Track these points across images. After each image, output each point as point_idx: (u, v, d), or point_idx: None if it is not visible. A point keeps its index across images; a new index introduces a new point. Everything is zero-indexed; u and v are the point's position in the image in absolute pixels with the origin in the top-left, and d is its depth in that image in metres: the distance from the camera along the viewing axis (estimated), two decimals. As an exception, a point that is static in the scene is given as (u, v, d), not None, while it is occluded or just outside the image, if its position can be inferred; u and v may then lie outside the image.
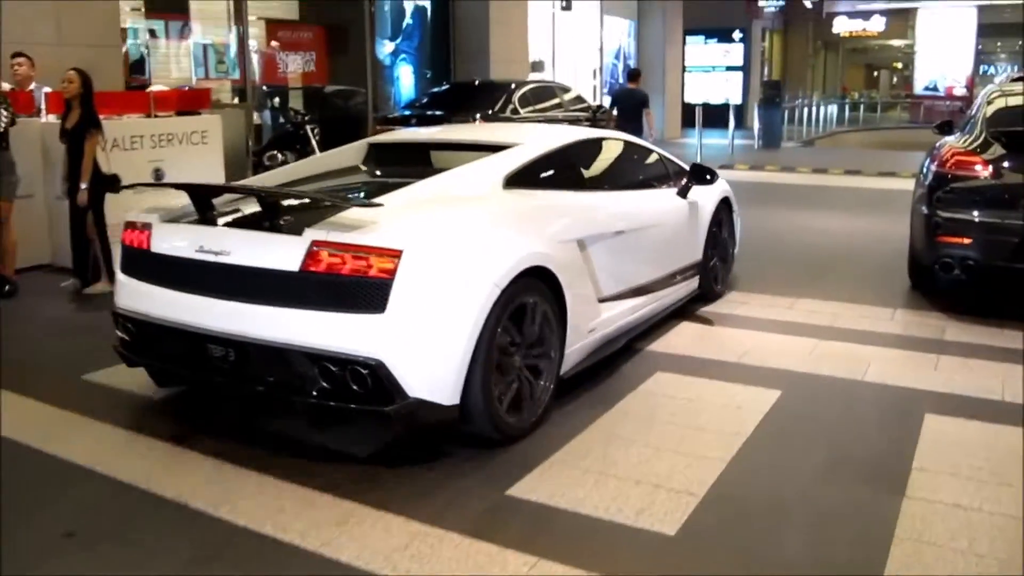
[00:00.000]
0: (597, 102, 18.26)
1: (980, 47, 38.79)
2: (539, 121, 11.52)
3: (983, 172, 5.72)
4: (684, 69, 31.41)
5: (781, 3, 26.13)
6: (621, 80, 22.58)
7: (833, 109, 34.96)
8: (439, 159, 5.18)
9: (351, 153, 5.44)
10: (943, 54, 35.82)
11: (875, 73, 55.66)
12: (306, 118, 10.32)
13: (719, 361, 5.05)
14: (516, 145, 4.84)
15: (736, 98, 30.00)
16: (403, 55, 15.55)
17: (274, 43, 13.47)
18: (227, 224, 3.98)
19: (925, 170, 6.32)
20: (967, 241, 5.65)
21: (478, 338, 3.60)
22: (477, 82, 13.38)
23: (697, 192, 5.98)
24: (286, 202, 4.10)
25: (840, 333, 5.61)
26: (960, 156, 5.88)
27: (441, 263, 3.61)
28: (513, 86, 12.12)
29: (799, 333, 5.59)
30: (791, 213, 10.72)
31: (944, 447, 3.90)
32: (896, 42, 43.51)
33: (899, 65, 51.09)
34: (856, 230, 9.51)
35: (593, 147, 5.56)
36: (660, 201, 5.69)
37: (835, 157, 17.26)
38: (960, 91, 35.58)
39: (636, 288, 5.07)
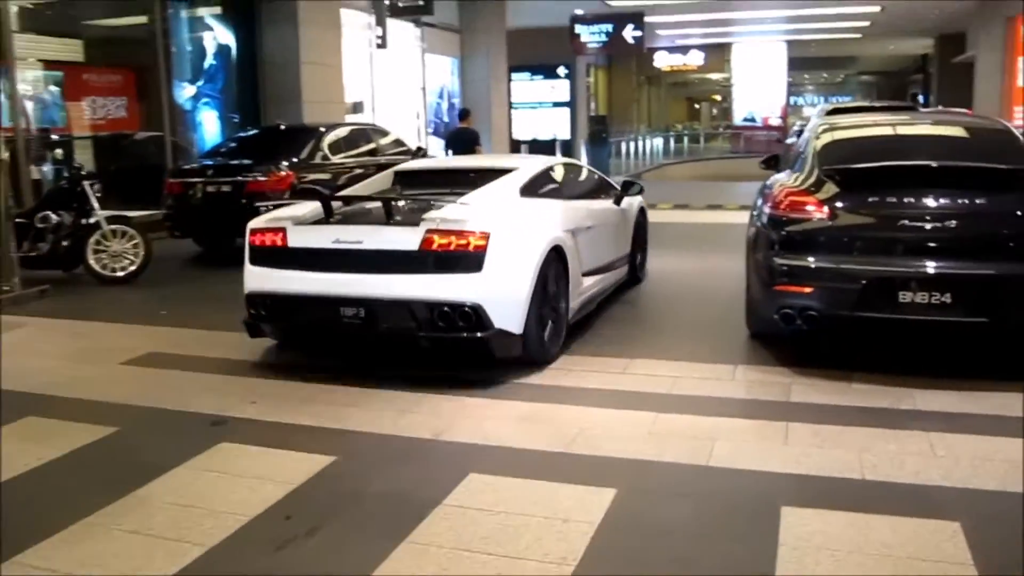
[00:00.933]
0: (419, 143, 17.66)
1: (791, 80, 40.60)
2: (353, 168, 10.68)
3: (818, 213, 5.25)
4: (511, 106, 31.34)
5: (604, 39, 26.15)
6: (447, 119, 22.07)
7: (659, 142, 35.68)
8: (453, 181, 6.62)
9: (383, 180, 7.19)
10: (758, 87, 37.25)
11: (697, 106, 57.71)
12: (82, 172, 9.07)
13: (544, 452, 4.28)
14: (515, 169, 6.63)
15: (564, 134, 30.08)
16: (206, 99, 14.39)
17: (53, 87, 12.12)
18: (358, 222, 5.74)
19: (758, 211, 5.82)
20: (807, 290, 5.15)
21: (531, 291, 5.38)
22: (283, 127, 12.40)
23: (626, 201, 7.84)
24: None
25: (680, 402, 4.96)
26: (794, 196, 5.41)
27: (512, 241, 5.38)
28: (322, 130, 11.20)
29: (636, 405, 4.91)
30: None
31: (808, 552, 3.25)
32: (714, 76, 45.11)
33: (718, 98, 53.09)
34: (690, 269, 9.08)
35: (559, 168, 7.37)
36: (607, 206, 7.46)
37: (663, 191, 17.10)
38: (775, 121, 37.05)
39: (599, 267, 6.83)
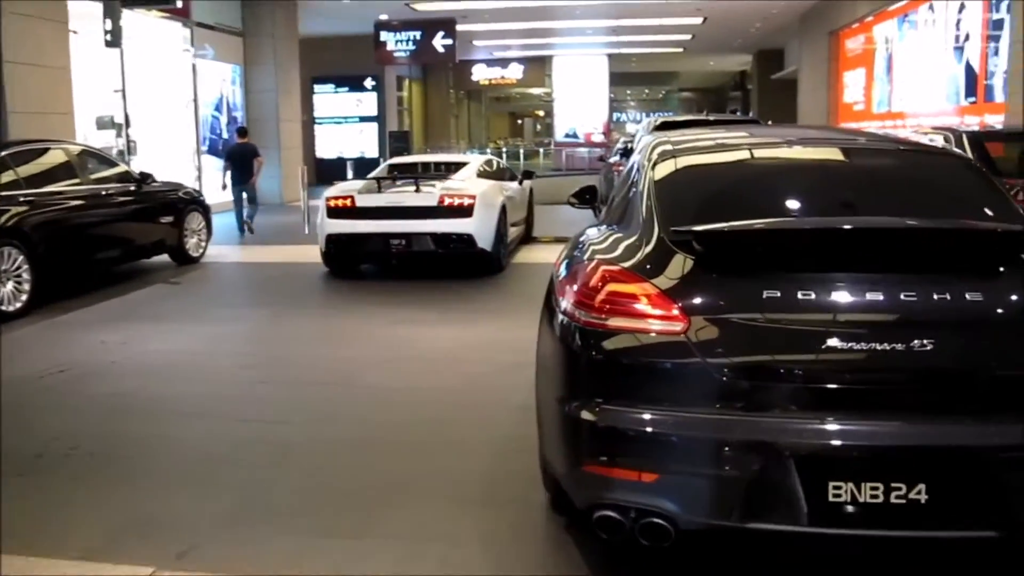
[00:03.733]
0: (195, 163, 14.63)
1: (613, 95, 39.38)
2: (50, 202, 7.74)
3: (665, 323, 2.76)
4: (314, 121, 28.39)
5: (412, 47, 23.67)
6: (227, 135, 18.99)
7: (478, 160, 33.30)
8: (427, 168, 11.43)
9: (383, 169, 11.61)
10: (579, 102, 35.71)
11: (519, 122, 56.14)
12: None
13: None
14: (468, 162, 11.18)
15: (372, 151, 27.37)
16: None
17: None
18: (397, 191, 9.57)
19: (555, 302, 3.30)
20: (648, 478, 2.67)
21: (496, 228, 9.50)
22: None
23: (526, 183, 12.12)
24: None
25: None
26: (619, 285, 2.91)
27: (486, 201, 9.40)
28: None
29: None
30: (379, 316, 7.66)
31: None
32: (536, 90, 43.49)
33: (541, 113, 51.67)
34: (467, 351, 6.61)
35: (490, 162, 11.81)
36: (516, 185, 11.48)
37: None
38: (598, 137, 35.60)
39: (516, 222, 10.90)
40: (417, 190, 9.32)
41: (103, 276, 9.31)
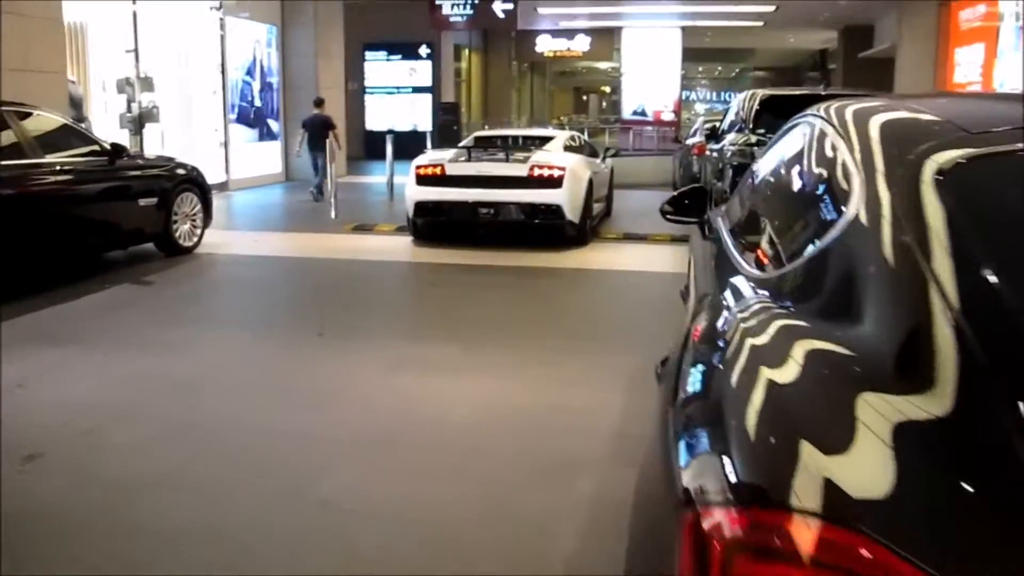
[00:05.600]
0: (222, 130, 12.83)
1: (683, 72, 36.86)
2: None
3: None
4: (364, 90, 26.49)
5: (469, 11, 21.58)
6: (258, 103, 17.21)
7: (538, 137, 31.21)
8: (515, 142, 11.13)
9: (469, 140, 11.50)
10: (649, 78, 33.30)
11: (584, 97, 53.71)
12: None
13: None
14: (554, 136, 11.20)
15: (425, 123, 25.36)
16: None
17: None
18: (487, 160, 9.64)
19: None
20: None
21: (583, 201, 9.46)
22: None
23: (608, 161, 12.17)
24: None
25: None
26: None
27: (574, 173, 9.37)
28: None
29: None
30: (390, 350, 5.70)
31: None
32: (603, 65, 41.15)
33: (607, 89, 49.24)
34: (497, 427, 4.58)
35: (574, 137, 11.71)
36: (599, 162, 11.33)
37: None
38: (668, 116, 33.22)
39: (599, 198, 10.74)
40: (507, 160, 9.46)
41: (67, 269, 7.51)
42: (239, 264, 8.86)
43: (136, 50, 13.34)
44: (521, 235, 9.65)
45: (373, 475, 3.60)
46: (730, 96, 51.72)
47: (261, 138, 17.54)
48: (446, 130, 16.86)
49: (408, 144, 18.83)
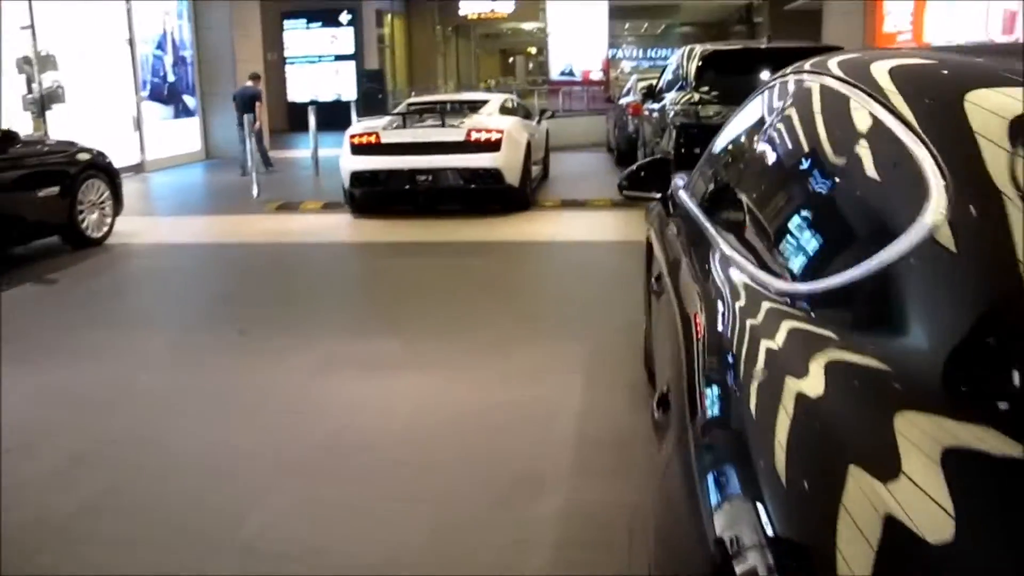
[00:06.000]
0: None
1: (610, 30, 36.37)
2: None
3: None
4: (284, 61, 25.57)
5: (388, -25, 20.84)
6: (172, 78, 16.33)
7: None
8: (451, 107, 10.66)
9: (403, 106, 11.10)
10: (576, 37, 32.81)
11: (511, 60, 52.94)
12: None
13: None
14: (489, 100, 10.94)
15: (350, 92, 24.55)
16: None
17: None
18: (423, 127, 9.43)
19: None
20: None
21: (522, 164, 9.33)
22: None
23: (544, 123, 12.19)
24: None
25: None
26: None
27: (513, 136, 9.27)
28: None
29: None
30: (317, 351, 5.24)
31: None
32: (528, 25, 40.47)
33: (533, 51, 48.56)
34: (442, 431, 4.15)
35: (509, 100, 11.41)
36: (535, 124, 11.25)
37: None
38: (597, 75, 32.83)
39: (536, 160, 10.59)
40: (443, 126, 9.26)
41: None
42: (153, 254, 8.23)
43: (32, 26, 12.44)
44: (460, 203, 9.55)
45: (303, 510, 3.13)
46: (657, 54, 51.53)
47: (177, 115, 16.67)
48: (370, 99, 16.25)
49: (333, 115, 18.15)
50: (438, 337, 5.18)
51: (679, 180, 3.15)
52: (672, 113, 7.39)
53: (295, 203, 10.53)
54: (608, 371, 4.47)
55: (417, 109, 10.46)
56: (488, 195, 9.38)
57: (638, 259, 7.28)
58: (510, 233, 8.54)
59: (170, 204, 11.73)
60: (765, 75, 7.60)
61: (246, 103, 14.49)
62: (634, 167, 3.21)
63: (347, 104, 17.50)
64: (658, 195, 3.12)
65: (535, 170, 10.52)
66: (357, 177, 9.38)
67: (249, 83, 15.07)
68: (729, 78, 7.34)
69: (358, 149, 9.32)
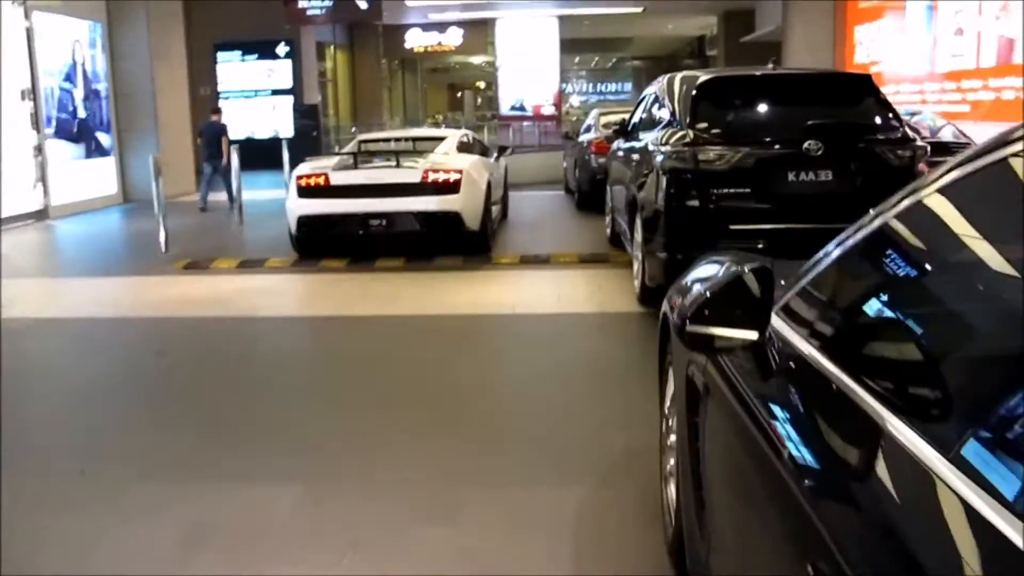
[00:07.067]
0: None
1: (560, 64, 35.28)
2: None
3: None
4: (218, 95, 23.92)
5: (328, 3, 19.38)
6: (83, 113, 14.65)
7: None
8: (405, 146, 10.04)
9: (353, 145, 10.28)
10: (527, 71, 31.64)
11: (459, 94, 51.78)
12: None
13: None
14: (445, 136, 10.32)
15: (288, 129, 22.95)
16: None
17: None
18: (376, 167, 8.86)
19: None
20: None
21: (483, 206, 8.80)
22: None
23: (502, 160, 11.50)
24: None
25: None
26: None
27: (472, 177, 8.68)
28: None
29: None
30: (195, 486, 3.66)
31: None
32: (476, 59, 39.27)
33: (482, 85, 47.42)
34: None
35: (466, 137, 10.74)
36: (494, 162, 10.66)
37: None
38: (548, 110, 31.69)
39: (495, 200, 9.97)
40: (398, 166, 8.71)
41: None
42: (14, 337, 6.53)
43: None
44: (414, 247, 8.88)
45: None
46: (606, 87, 50.75)
47: (89, 154, 14.96)
48: (304, 136, 14.73)
49: (270, 153, 16.58)
50: (355, 482, 3.64)
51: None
52: (660, 156, 5.88)
53: (207, 260, 8.92)
54: (607, 548, 2.99)
55: (368, 148, 9.71)
56: (446, 240, 8.69)
57: (625, 343, 5.68)
58: (463, 301, 7.00)
59: (61, 260, 10.12)
60: (777, 108, 6.24)
61: (213, 139, 14.23)
62: (707, 294, 1.72)
63: (282, 141, 15.99)
64: (752, 335, 1.65)
65: (494, 210, 9.89)
66: (305, 222, 8.64)
67: (214, 117, 14.94)
68: (732, 112, 5.92)
69: (305, 191, 8.58)
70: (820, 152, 5.47)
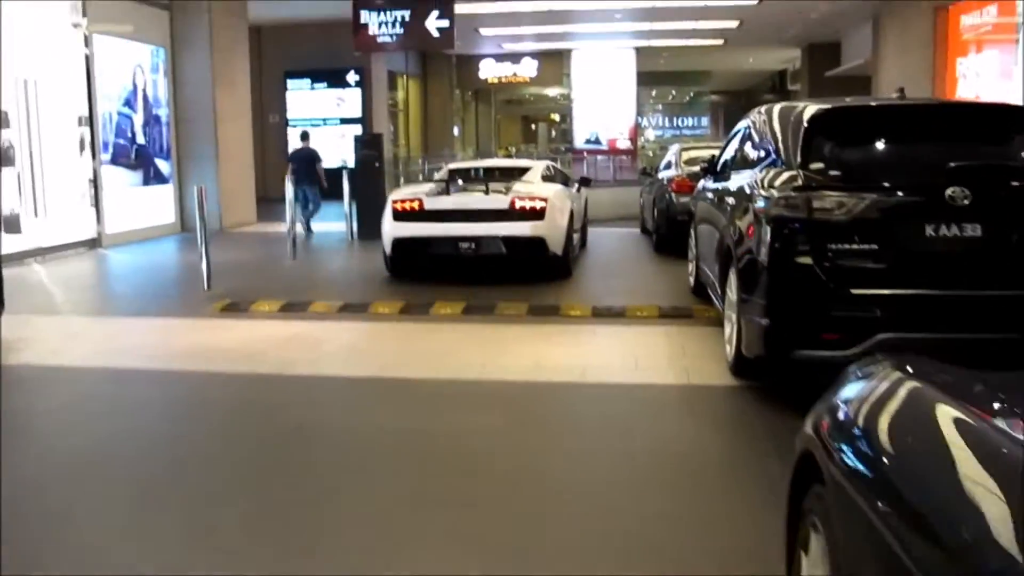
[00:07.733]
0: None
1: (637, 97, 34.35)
2: None
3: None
4: (287, 123, 23.57)
5: (399, 30, 18.77)
6: (142, 138, 14.20)
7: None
8: (491, 174, 10.85)
9: (443, 173, 10.80)
10: (602, 103, 30.83)
11: (532, 126, 51.17)
12: None
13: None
14: (531, 167, 10.98)
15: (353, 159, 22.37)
16: None
17: None
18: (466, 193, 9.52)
19: None
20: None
21: (566, 233, 9.40)
22: None
23: (583, 190, 12.14)
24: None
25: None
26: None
27: (556, 205, 9.26)
28: None
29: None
30: None
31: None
32: (551, 91, 38.62)
33: (556, 117, 46.73)
34: None
35: (550, 167, 11.44)
36: (575, 192, 11.19)
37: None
38: (624, 144, 30.78)
39: (577, 228, 10.74)
40: (487, 192, 9.31)
41: None
42: (13, 389, 5.77)
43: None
44: (498, 273, 9.47)
45: None
46: (683, 122, 49.55)
47: (147, 182, 14.49)
48: (366, 167, 13.99)
49: (333, 182, 15.92)
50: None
51: None
52: (762, 201, 4.89)
53: (247, 302, 8.15)
54: None
55: (458, 175, 10.24)
56: (531, 263, 9.36)
57: (718, 428, 4.61)
58: (525, 364, 5.90)
59: (92, 295, 9.51)
60: (910, 145, 5.20)
61: (307, 166, 14.42)
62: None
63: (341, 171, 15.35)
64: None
65: (575, 237, 10.55)
66: (399, 244, 9.36)
67: (303, 143, 15.24)
68: (853, 150, 4.90)
69: (400, 215, 9.27)
70: (967, 201, 4.42)
